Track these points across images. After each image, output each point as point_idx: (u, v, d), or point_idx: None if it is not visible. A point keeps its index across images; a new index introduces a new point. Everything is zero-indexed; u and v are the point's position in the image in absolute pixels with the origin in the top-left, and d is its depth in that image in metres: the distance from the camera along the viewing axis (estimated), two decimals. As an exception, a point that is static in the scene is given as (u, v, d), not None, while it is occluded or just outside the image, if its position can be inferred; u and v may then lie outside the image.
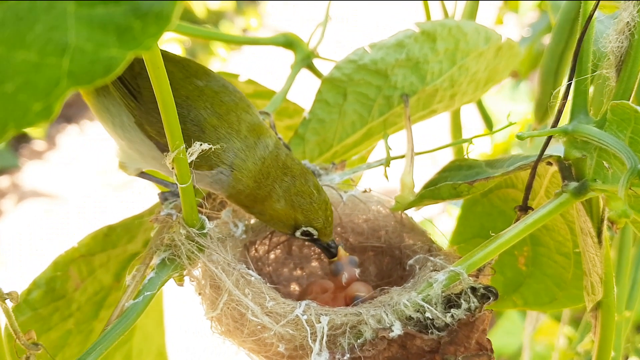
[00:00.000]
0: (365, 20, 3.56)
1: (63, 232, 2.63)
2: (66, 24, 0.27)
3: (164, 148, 0.48)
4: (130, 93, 0.51)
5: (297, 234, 0.55)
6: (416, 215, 0.61)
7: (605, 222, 0.49)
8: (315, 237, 0.55)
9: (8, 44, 0.26)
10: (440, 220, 1.88)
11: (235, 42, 1.22)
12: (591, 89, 0.49)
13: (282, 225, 0.55)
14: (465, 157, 0.60)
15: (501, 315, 1.61)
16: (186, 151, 0.45)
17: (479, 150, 1.54)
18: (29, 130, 3.21)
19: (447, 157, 0.83)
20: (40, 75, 0.26)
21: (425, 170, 0.66)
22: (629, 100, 0.46)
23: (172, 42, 2.61)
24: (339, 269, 0.56)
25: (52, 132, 3.43)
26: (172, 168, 0.46)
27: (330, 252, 0.56)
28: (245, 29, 4.02)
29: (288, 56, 0.74)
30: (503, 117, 0.58)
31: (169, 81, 0.50)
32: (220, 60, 3.40)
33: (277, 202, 0.53)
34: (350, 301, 0.54)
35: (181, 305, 1.31)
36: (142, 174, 0.58)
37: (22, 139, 3.34)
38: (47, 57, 0.27)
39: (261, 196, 0.53)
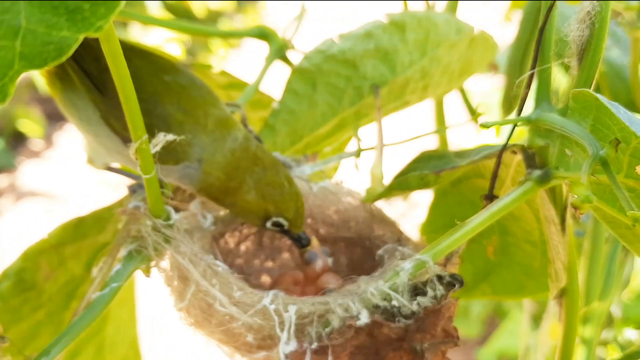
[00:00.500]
0: (365, 20, 3.54)
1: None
2: (18, 7, 0.27)
3: (129, 142, 0.48)
4: (97, 87, 0.51)
5: (268, 224, 0.55)
6: (407, 220, 0.61)
7: (569, 209, 0.49)
8: (285, 228, 0.55)
9: (-38, 28, 0.27)
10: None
11: (211, 35, 1.23)
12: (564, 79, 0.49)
13: (253, 217, 0.55)
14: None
15: (505, 317, 1.61)
16: (150, 143, 0.45)
17: (471, 144, 1.53)
18: (27, 130, 3.20)
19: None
20: (-6, 58, 0.27)
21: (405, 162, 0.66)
22: (590, 88, 0.46)
23: (172, 42, 2.60)
24: (312, 257, 0.57)
25: (50, 131, 3.41)
26: (136, 159, 0.46)
27: (301, 242, 0.56)
28: (246, 30, 3.98)
29: (289, 54, 0.73)
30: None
31: (137, 76, 0.50)
32: (220, 59, 3.39)
33: (248, 192, 0.53)
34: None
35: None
36: (110, 168, 0.58)
37: (19, 138, 3.31)
38: (0, 40, 0.27)
39: (232, 188, 0.53)
